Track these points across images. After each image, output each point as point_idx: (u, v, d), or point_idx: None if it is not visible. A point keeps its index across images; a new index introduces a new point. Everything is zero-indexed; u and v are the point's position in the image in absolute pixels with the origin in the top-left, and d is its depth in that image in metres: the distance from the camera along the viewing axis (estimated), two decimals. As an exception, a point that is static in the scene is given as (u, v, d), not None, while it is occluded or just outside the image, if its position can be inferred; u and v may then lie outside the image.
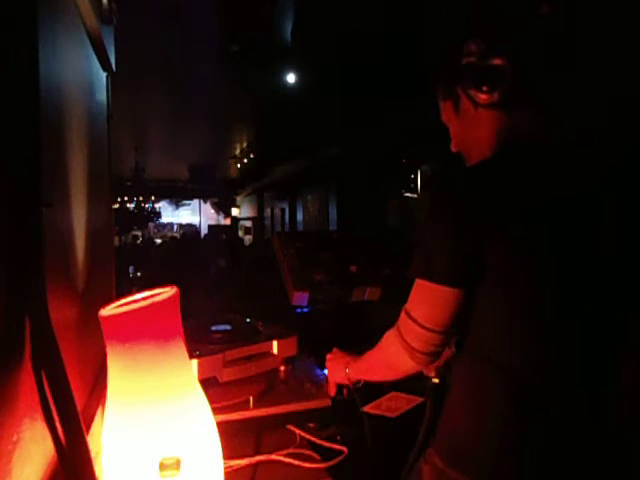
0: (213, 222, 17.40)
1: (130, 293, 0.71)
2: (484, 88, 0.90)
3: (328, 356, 1.27)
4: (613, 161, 0.91)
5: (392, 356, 0.95)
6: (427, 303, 0.88)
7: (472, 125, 0.96)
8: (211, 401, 0.73)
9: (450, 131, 1.04)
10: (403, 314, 0.91)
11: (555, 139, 0.92)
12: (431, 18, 3.05)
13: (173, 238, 11.06)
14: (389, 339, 0.95)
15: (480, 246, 0.81)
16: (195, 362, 1.23)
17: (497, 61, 0.88)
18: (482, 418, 0.89)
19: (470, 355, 0.91)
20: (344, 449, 1.20)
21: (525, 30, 0.94)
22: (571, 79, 1.00)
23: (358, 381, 1.21)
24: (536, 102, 0.92)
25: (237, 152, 10.64)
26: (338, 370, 1.21)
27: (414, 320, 0.88)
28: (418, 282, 0.88)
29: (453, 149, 1.04)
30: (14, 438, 0.55)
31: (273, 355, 1.46)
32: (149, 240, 13.36)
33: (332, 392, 1.29)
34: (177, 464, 0.61)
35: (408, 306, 0.90)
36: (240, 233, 14.67)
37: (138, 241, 12.69)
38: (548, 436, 0.84)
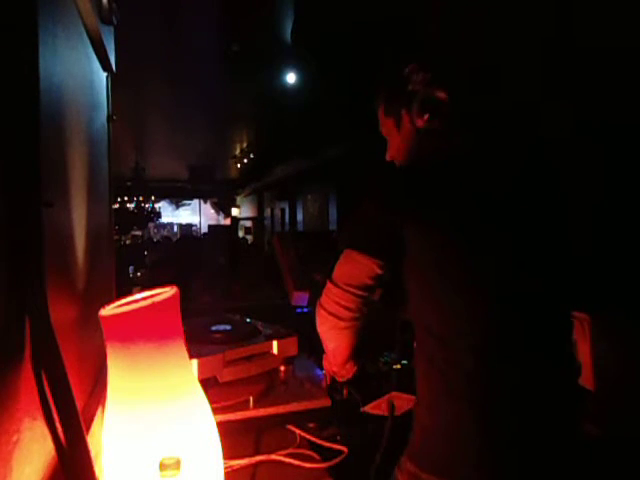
0: (213, 222, 17.37)
1: (130, 293, 0.71)
2: (425, 116, 1.04)
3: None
4: (522, 170, 1.04)
5: (316, 320, 1.06)
6: (343, 265, 1.00)
7: (410, 142, 1.09)
8: (211, 401, 0.73)
9: (388, 143, 1.17)
10: (327, 281, 1.03)
11: (475, 152, 1.04)
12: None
13: (167, 238, 11.05)
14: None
15: (399, 226, 0.93)
16: (195, 362, 1.23)
17: (440, 94, 1.03)
18: (434, 399, 0.94)
19: (424, 345, 0.97)
20: (344, 449, 1.20)
21: (464, 68, 1.12)
22: (495, 104, 1.23)
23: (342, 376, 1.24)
24: (467, 127, 1.06)
25: (237, 152, 10.63)
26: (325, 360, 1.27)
27: (330, 280, 1.01)
28: (344, 252, 1.00)
29: (387, 159, 1.18)
30: (14, 438, 0.55)
31: (273, 355, 1.46)
32: (149, 240, 13.34)
33: (324, 383, 1.37)
34: (177, 464, 0.61)
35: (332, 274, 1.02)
36: (240, 233, 14.64)
37: (138, 241, 12.67)
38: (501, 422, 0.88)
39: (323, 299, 1.03)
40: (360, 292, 0.97)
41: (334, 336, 1.05)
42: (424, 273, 0.94)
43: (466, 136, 1.04)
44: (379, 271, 0.95)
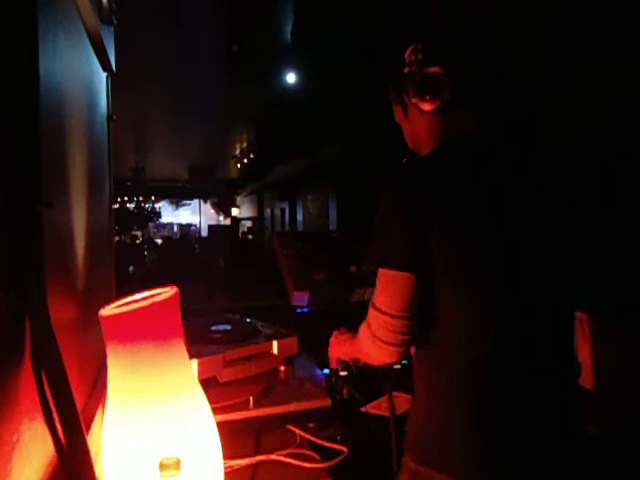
0: (213, 222, 17.38)
1: (130, 293, 0.71)
2: (427, 97, 0.99)
3: (335, 332, 1.26)
4: (534, 153, 1.03)
5: (365, 347, 1.00)
6: (385, 290, 0.94)
7: (419, 127, 1.05)
8: (211, 401, 0.73)
9: (403, 131, 1.13)
10: (370, 306, 0.96)
11: (488, 137, 1.01)
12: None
13: (168, 238, 11.07)
14: (361, 331, 1.00)
15: (427, 236, 0.89)
16: (195, 362, 1.23)
17: (434, 69, 0.98)
18: (431, 395, 0.94)
19: (426, 343, 0.96)
20: (344, 449, 1.20)
21: (460, 44, 1.08)
22: (503, 85, 1.15)
23: (357, 360, 1.22)
24: (473, 106, 1.02)
25: (237, 152, 10.63)
26: (339, 344, 1.23)
27: (377, 309, 0.94)
28: (379, 272, 0.95)
29: (409, 146, 1.13)
30: (14, 438, 0.55)
31: (273, 355, 1.45)
32: (149, 240, 13.33)
33: (333, 365, 1.33)
34: (177, 464, 0.61)
35: (373, 297, 0.96)
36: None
37: (137, 241, 12.66)
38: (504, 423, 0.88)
39: (377, 330, 0.93)
40: (411, 313, 0.91)
41: (389, 359, 0.97)
42: (437, 274, 0.91)
43: (471, 114, 1.01)
44: (419, 284, 0.90)
